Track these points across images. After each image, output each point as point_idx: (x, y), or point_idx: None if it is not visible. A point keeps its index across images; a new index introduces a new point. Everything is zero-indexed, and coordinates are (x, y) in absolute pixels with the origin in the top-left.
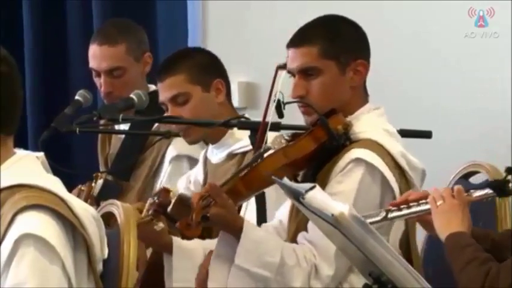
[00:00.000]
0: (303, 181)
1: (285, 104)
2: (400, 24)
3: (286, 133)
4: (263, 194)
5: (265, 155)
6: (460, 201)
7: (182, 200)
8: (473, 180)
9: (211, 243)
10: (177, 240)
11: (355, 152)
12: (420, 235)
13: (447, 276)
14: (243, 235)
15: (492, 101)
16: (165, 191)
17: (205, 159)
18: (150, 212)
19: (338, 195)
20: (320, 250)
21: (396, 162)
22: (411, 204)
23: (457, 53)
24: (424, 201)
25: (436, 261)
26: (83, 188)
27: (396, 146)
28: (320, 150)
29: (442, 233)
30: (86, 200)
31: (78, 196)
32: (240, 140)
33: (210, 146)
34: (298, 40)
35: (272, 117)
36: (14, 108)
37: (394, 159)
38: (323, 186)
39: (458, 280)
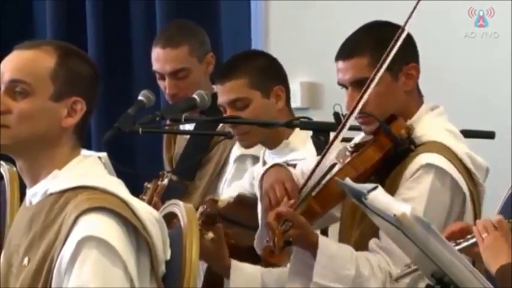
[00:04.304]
0: None
1: (345, 116)
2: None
3: (348, 144)
4: None
5: (334, 170)
6: (502, 232)
7: (242, 199)
8: None
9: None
10: (234, 264)
11: (423, 157)
12: None
13: None
14: (319, 251)
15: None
16: (213, 201)
17: (264, 162)
18: (198, 223)
19: (409, 201)
20: (395, 258)
21: (463, 163)
22: (458, 241)
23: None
24: (470, 236)
25: None
26: (149, 185)
27: (461, 147)
28: (386, 157)
29: (492, 266)
30: (151, 198)
31: (144, 193)
32: (295, 151)
33: (267, 151)
34: (347, 52)
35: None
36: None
37: (460, 160)
38: (392, 192)
39: None
